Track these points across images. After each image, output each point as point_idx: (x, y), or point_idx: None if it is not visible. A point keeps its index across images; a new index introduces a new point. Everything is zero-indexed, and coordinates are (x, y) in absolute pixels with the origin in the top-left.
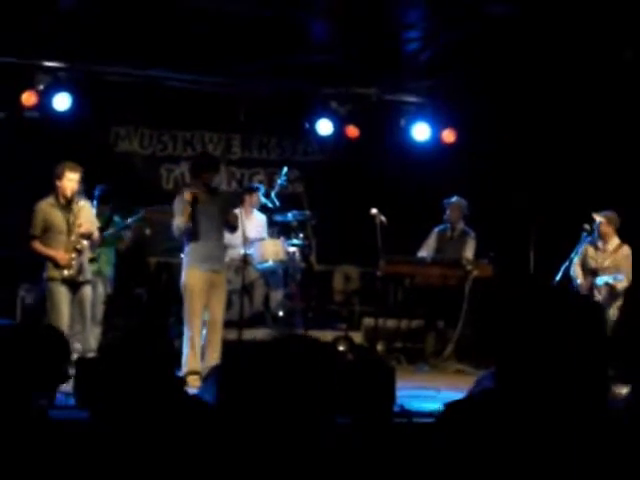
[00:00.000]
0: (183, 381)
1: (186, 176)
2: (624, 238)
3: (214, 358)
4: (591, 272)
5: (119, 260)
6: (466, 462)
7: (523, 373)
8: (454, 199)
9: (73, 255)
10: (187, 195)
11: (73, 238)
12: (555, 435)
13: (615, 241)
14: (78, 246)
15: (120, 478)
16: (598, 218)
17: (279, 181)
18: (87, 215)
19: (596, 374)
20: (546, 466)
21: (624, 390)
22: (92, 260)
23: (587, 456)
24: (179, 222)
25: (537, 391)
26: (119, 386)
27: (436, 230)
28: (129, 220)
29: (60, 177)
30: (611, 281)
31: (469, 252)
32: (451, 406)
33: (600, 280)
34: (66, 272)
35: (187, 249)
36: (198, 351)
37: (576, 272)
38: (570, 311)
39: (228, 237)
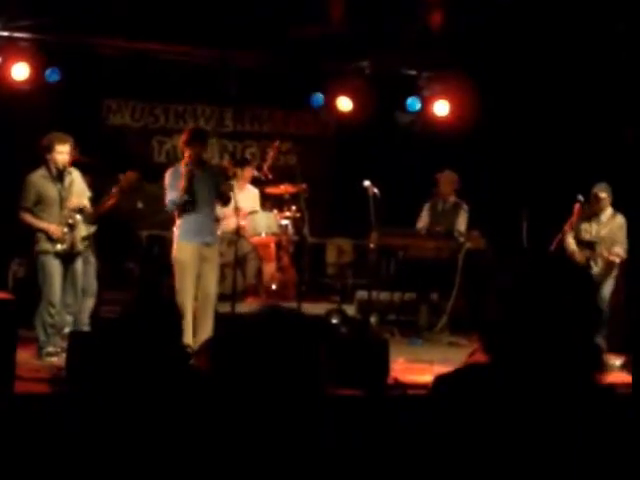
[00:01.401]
0: (189, 354)
1: (178, 149)
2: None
3: (206, 332)
4: (587, 244)
5: (110, 233)
6: (457, 434)
7: (513, 344)
8: (445, 172)
9: (65, 230)
10: (184, 169)
11: (65, 212)
12: (546, 407)
13: (608, 211)
14: (70, 221)
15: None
16: (601, 194)
17: (271, 153)
18: (79, 186)
19: (586, 345)
20: (537, 438)
21: (617, 361)
22: (86, 238)
23: (578, 428)
24: (174, 196)
25: (527, 362)
26: (121, 360)
27: (428, 204)
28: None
29: (50, 150)
30: (604, 254)
31: (462, 224)
32: (442, 378)
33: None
34: (59, 246)
35: (178, 222)
36: (189, 324)
37: (569, 244)
38: (562, 281)
39: (220, 209)
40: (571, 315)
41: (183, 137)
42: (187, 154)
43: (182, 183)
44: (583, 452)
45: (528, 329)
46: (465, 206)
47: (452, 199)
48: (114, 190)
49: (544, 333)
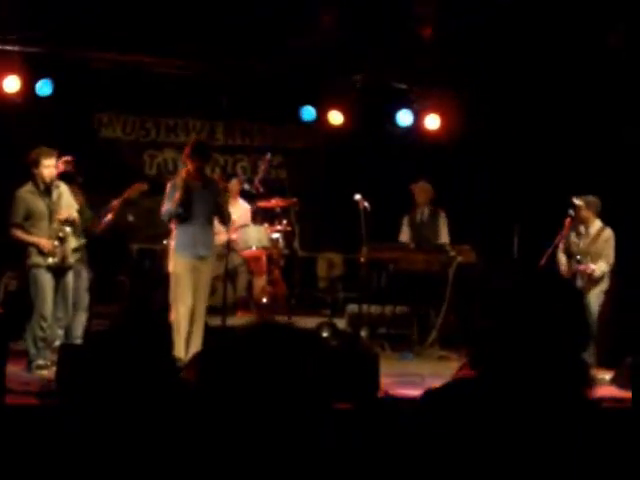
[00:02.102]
0: (180, 368)
1: (169, 163)
2: (607, 222)
3: (196, 345)
4: (574, 257)
5: (100, 246)
6: (445, 448)
7: (500, 358)
8: (420, 183)
9: (56, 243)
10: (179, 180)
11: (55, 225)
12: (532, 422)
13: (597, 225)
14: (60, 234)
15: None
16: (577, 202)
17: (262, 167)
18: (67, 200)
19: (573, 360)
20: (524, 452)
21: (607, 376)
22: (76, 250)
23: (564, 442)
24: (169, 206)
25: (514, 377)
26: (111, 373)
27: (406, 217)
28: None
29: (36, 165)
30: (581, 268)
31: (444, 236)
32: (430, 393)
33: (581, 266)
34: (50, 260)
35: (174, 234)
36: (183, 337)
37: (559, 258)
38: (549, 296)
39: (217, 224)
40: (558, 329)
41: (186, 150)
42: (188, 167)
43: (177, 195)
44: (569, 466)
45: (515, 343)
46: (442, 213)
47: (428, 208)
48: (114, 204)
49: (531, 347)
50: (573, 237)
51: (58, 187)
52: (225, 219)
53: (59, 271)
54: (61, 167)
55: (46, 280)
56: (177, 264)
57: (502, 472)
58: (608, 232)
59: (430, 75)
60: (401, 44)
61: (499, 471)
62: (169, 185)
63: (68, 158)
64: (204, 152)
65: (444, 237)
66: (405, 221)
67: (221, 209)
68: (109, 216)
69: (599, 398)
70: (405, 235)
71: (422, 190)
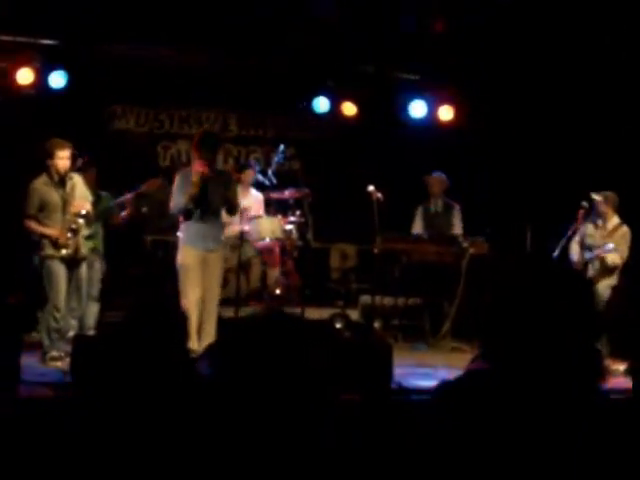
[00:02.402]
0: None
1: (182, 154)
2: (624, 218)
3: (209, 336)
4: (589, 248)
5: (115, 238)
6: (457, 440)
7: (512, 350)
8: (434, 174)
9: (69, 235)
10: (195, 177)
11: (68, 217)
12: (545, 413)
13: (614, 220)
14: (74, 225)
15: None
16: (596, 197)
17: (276, 159)
18: (80, 191)
19: (586, 351)
20: (537, 444)
21: (621, 367)
22: (89, 237)
23: (577, 434)
24: (180, 201)
25: (526, 368)
26: (125, 365)
27: (420, 208)
28: (120, 198)
29: (50, 156)
30: (596, 252)
31: (457, 227)
32: (443, 385)
33: (589, 254)
34: (64, 251)
35: (183, 227)
36: (194, 329)
37: (572, 249)
38: (560, 287)
39: (225, 215)
40: (569, 320)
41: (193, 142)
42: (197, 159)
43: (191, 189)
44: (582, 457)
45: (526, 334)
46: (457, 206)
47: (442, 200)
48: (127, 197)
49: (542, 338)
50: (590, 229)
51: (72, 179)
52: (233, 209)
53: (72, 262)
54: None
55: (59, 271)
56: (186, 256)
57: (515, 464)
58: (625, 229)
59: (444, 66)
60: (415, 35)
61: (512, 463)
62: (178, 177)
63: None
64: (210, 144)
65: (457, 229)
66: (419, 212)
67: (229, 200)
68: (126, 211)
69: (611, 389)
70: (418, 226)
71: (436, 181)
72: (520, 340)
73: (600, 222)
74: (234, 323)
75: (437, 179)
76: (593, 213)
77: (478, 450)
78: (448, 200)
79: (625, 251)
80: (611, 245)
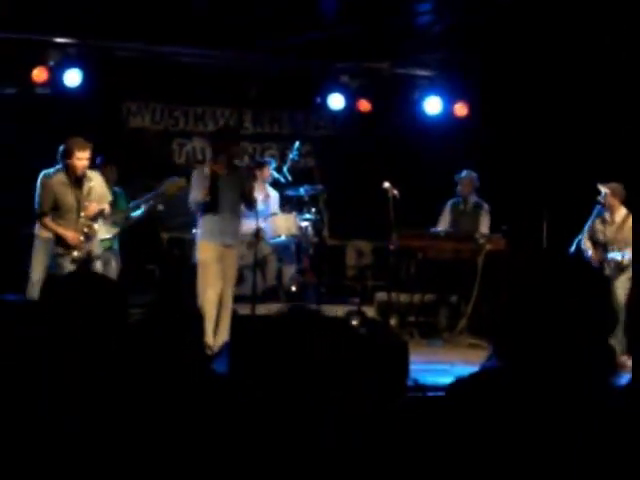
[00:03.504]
0: (210, 356)
1: (198, 151)
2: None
3: (224, 332)
4: (601, 245)
5: (130, 236)
6: (471, 437)
7: (526, 347)
8: (464, 173)
9: (82, 238)
10: (207, 170)
11: (82, 220)
12: (559, 410)
13: (622, 212)
14: (86, 229)
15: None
16: (603, 189)
17: (291, 155)
18: (98, 192)
19: (601, 347)
20: (551, 441)
21: None
22: (107, 240)
23: (591, 431)
24: (197, 196)
25: (540, 365)
26: (141, 363)
27: (449, 204)
28: (140, 199)
29: (69, 156)
30: (619, 258)
31: (484, 226)
32: (458, 381)
33: (609, 255)
34: (75, 253)
35: (200, 222)
36: (211, 325)
37: (586, 245)
38: (576, 283)
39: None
40: (584, 317)
41: (211, 137)
42: (216, 154)
43: (206, 184)
44: (597, 455)
45: (540, 332)
46: (486, 206)
47: (472, 199)
48: (149, 198)
49: (556, 336)
50: (598, 224)
51: (90, 180)
52: (251, 204)
53: (84, 262)
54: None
55: (70, 269)
56: (203, 252)
57: (528, 462)
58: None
59: (459, 62)
60: (430, 30)
61: (526, 461)
62: (195, 173)
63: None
64: (229, 138)
65: (484, 228)
66: (447, 208)
67: (246, 195)
68: (143, 209)
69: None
70: (445, 222)
71: (467, 180)
72: (534, 337)
73: (608, 215)
74: (252, 320)
75: (467, 178)
76: (601, 207)
77: (491, 447)
78: (478, 199)
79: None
80: (628, 254)
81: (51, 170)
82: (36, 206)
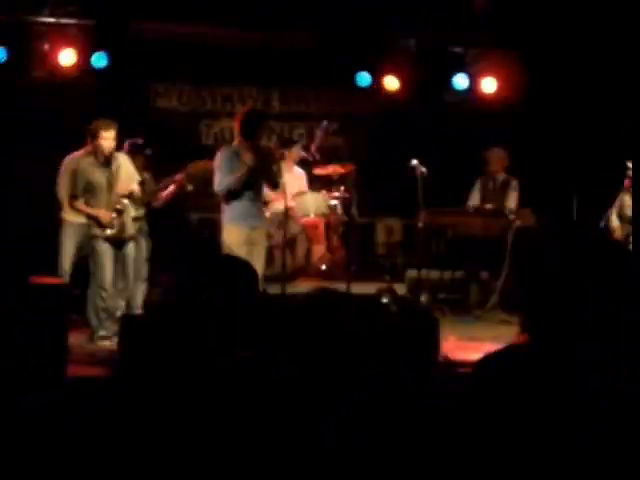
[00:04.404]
0: None
1: (226, 132)
2: None
3: None
4: (628, 221)
5: (159, 217)
6: (497, 412)
7: (555, 323)
8: (494, 150)
9: (114, 215)
10: (248, 158)
11: (113, 198)
12: (584, 387)
13: None
14: (118, 206)
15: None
16: (630, 165)
17: (319, 134)
18: (127, 171)
19: (627, 325)
20: (575, 419)
21: None
22: (136, 219)
23: (617, 410)
24: (226, 181)
25: (568, 340)
26: (171, 345)
27: (479, 181)
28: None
29: (95, 136)
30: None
31: (512, 201)
32: (485, 358)
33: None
34: (109, 231)
35: (225, 206)
36: None
37: (612, 220)
38: (600, 261)
39: (269, 192)
40: (612, 293)
41: (236, 122)
42: (243, 138)
43: (241, 171)
44: (622, 433)
45: (568, 308)
46: (515, 182)
47: (502, 176)
48: (177, 178)
49: (583, 312)
50: (627, 200)
51: (117, 159)
52: (276, 185)
53: (118, 242)
54: (126, 148)
55: (105, 251)
56: (230, 236)
57: (556, 436)
58: None
59: (486, 38)
60: (456, 6)
61: (554, 435)
62: (221, 155)
63: (137, 141)
64: (257, 124)
65: (511, 203)
66: (477, 184)
67: (272, 176)
68: (171, 189)
69: None
70: (475, 198)
71: (496, 157)
72: (562, 313)
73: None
74: (284, 300)
75: (496, 155)
76: (629, 181)
77: (519, 422)
78: (508, 176)
79: None
80: None
81: (76, 153)
82: (67, 191)
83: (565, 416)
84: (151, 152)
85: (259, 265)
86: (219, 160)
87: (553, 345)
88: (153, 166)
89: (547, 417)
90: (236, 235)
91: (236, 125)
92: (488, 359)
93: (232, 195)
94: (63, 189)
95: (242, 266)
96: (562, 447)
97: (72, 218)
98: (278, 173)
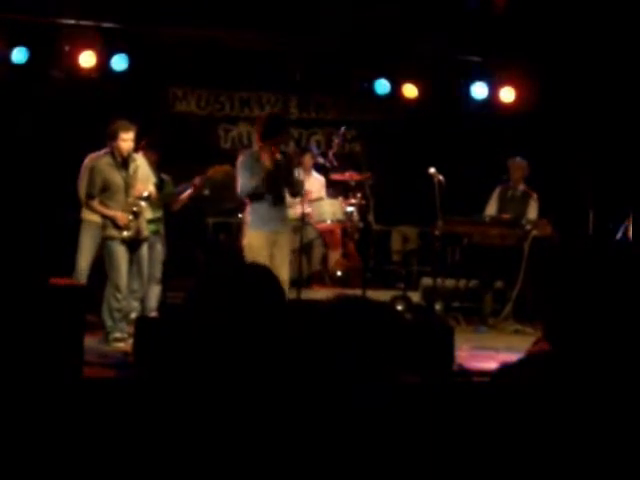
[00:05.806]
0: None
1: (244, 136)
2: None
3: None
4: None
5: (176, 220)
6: (517, 423)
7: (574, 333)
8: (516, 159)
9: (130, 217)
10: (267, 161)
11: (130, 199)
12: (607, 397)
13: None
14: (135, 208)
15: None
16: None
17: (337, 140)
18: (143, 173)
19: None
20: (598, 430)
21: None
22: (152, 221)
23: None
24: (249, 184)
25: (591, 352)
26: (187, 347)
27: (498, 189)
28: (185, 183)
29: (114, 138)
30: None
31: (532, 212)
32: (504, 367)
33: None
34: (125, 233)
35: (250, 210)
36: None
37: (630, 230)
38: (621, 270)
39: (288, 198)
40: (632, 302)
41: (257, 126)
42: (264, 143)
43: (263, 174)
44: None
45: (589, 318)
46: (535, 195)
47: (522, 187)
48: (196, 181)
49: (604, 321)
50: None
51: (135, 160)
52: (296, 191)
53: (134, 243)
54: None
55: (120, 252)
56: (253, 238)
57: (574, 449)
58: None
59: (505, 47)
60: (476, 15)
61: (571, 448)
62: (242, 159)
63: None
64: (278, 128)
65: (532, 216)
66: (496, 193)
67: (293, 182)
68: (189, 192)
69: None
70: (493, 207)
71: (518, 167)
72: (583, 323)
73: None
74: (300, 306)
75: (517, 165)
76: None
77: (537, 434)
78: (527, 188)
79: None
80: None
81: (97, 153)
82: (85, 190)
83: (592, 428)
84: (142, 144)
85: (283, 269)
86: (240, 164)
87: (576, 354)
88: (167, 165)
89: (572, 429)
90: (260, 239)
91: (257, 129)
92: (508, 368)
93: (255, 197)
94: (83, 189)
95: (263, 274)
96: (590, 458)
97: (92, 217)
98: (300, 182)
